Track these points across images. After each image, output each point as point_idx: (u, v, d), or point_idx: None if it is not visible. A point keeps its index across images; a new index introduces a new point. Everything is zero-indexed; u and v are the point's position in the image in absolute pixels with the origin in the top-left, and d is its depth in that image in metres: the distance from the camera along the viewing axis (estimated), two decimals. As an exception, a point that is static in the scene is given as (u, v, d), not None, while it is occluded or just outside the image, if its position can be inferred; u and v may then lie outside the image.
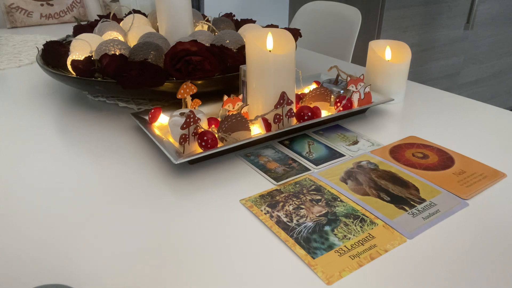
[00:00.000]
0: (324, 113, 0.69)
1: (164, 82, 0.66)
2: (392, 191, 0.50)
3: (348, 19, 1.31)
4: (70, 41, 0.83)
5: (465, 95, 2.26)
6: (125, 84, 0.65)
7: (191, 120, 0.53)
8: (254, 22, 1.03)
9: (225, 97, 0.60)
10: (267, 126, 0.59)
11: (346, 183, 0.52)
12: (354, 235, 0.43)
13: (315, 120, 0.63)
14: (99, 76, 0.70)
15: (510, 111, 0.73)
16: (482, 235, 0.43)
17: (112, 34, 0.86)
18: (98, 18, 1.03)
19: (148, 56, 0.70)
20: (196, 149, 0.57)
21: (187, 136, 0.54)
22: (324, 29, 1.40)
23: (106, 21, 0.91)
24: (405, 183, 0.52)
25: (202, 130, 0.56)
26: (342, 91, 0.73)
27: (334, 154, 0.59)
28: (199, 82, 0.68)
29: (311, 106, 0.65)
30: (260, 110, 0.60)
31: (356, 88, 0.68)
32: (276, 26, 0.84)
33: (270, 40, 0.62)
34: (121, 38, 0.87)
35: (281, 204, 0.48)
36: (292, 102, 0.60)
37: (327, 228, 0.44)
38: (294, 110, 0.63)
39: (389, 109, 0.75)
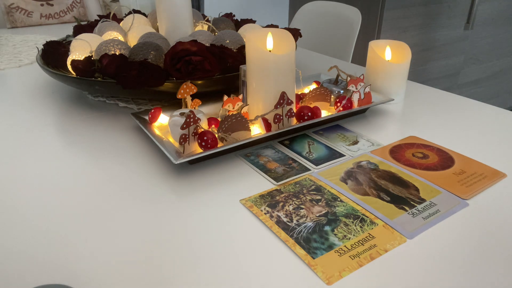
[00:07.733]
0: (324, 113, 0.69)
1: (164, 82, 0.66)
2: (392, 191, 0.50)
3: (348, 19, 1.31)
4: (70, 41, 0.83)
5: (465, 95, 2.26)
6: (125, 84, 0.65)
7: (191, 120, 0.53)
8: (254, 22, 1.03)
9: (225, 97, 0.60)
10: (267, 126, 0.59)
11: (346, 183, 0.52)
12: (354, 235, 0.43)
13: (315, 120, 0.63)
14: (99, 76, 0.70)
15: (510, 111, 0.73)
16: (482, 235, 0.43)
17: (112, 34, 0.86)
18: (98, 18, 1.03)
19: (148, 56, 0.70)
20: (196, 149, 0.57)
21: (187, 136, 0.54)
22: (324, 29, 1.40)
23: (106, 21, 0.91)
24: (405, 183, 0.52)
25: (202, 130, 0.56)
26: (342, 91, 0.73)
27: (334, 154, 0.59)
28: (199, 82, 0.68)
29: (311, 106, 0.65)
30: (260, 110, 0.60)
31: (356, 88, 0.68)
32: (276, 26, 0.84)
33: (270, 40, 0.62)
34: (121, 38, 0.87)
35: (281, 204, 0.48)
36: (292, 102, 0.60)
37: (327, 228, 0.44)
38: (294, 110, 0.63)
39: (389, 109, 0.75)
